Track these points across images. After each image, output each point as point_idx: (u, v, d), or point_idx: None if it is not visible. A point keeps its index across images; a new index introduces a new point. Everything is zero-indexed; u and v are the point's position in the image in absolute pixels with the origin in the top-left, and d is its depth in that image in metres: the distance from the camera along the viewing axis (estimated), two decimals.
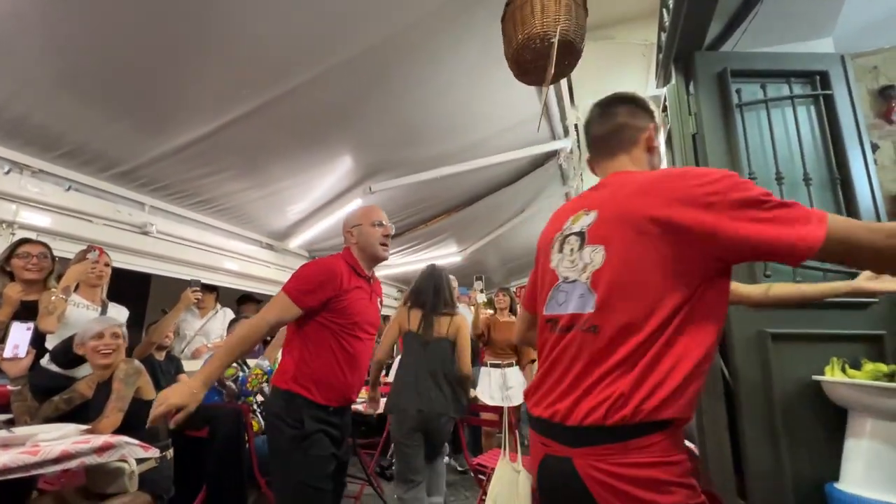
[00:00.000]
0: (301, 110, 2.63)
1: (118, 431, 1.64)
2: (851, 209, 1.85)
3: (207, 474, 1.97)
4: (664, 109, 2.30)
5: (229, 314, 3.91)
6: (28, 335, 1.67)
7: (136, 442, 1.59)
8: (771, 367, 1.69)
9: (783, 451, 1.63)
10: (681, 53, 2.07)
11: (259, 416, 2.48)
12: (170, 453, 1.87)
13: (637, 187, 0.87)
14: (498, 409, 2.58)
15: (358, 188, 3.56)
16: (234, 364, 2.61)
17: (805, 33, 2.21)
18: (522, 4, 1.33)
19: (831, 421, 1.61)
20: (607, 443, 0.77)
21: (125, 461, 1.61)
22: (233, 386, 2.46)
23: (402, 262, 5.62)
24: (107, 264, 2.31)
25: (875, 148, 2.32)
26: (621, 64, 2.82)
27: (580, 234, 0.89)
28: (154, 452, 1.67)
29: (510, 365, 3.77)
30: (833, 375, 1.59)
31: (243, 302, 4.39)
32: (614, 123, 1.02)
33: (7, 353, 1.62)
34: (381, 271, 5.65)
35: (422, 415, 2.17)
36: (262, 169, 3.16)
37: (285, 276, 4.47)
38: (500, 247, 5.90)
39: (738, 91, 1.99)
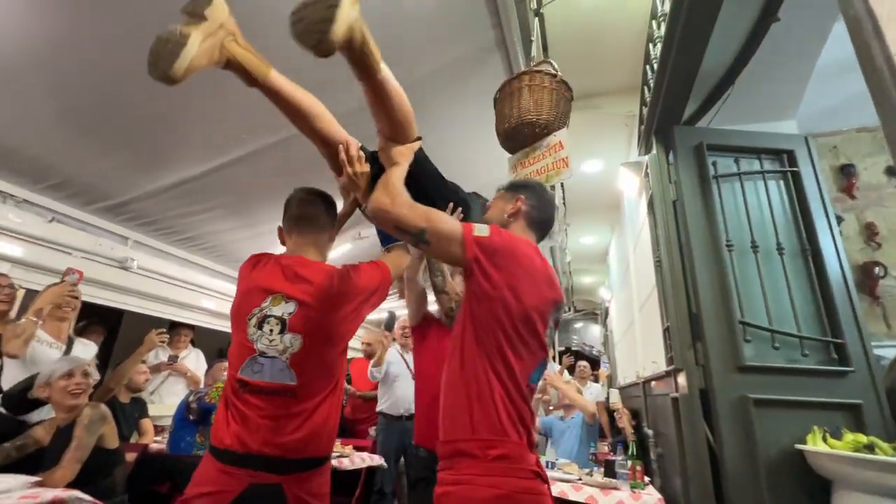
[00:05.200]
0: (296, 157, 2.68)
1: (72, 483, 1.51)
2: (822, 277, 1.94)
3: None
4: (646, 175, 2.44)
5: (202, 357, 3.76)
6: None
7: (89, 498, 1.46)
8: (755, 434, 1.69)
9: None
10: (661, 126, 2.23)
11: None
12: None
13: None
14: None
15: (347, 233, 3.58)
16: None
17: (772, 114, 2.42)
18: (520, 89, 1.44)
19: (816, 491, 1.60)
20: None
21: None
22: (195, 406, 2.33)
23: (383, 307, 5.56)
24: (77, 297, 2.22)
25: (840, 220, 2.48)
26: (606, 131, 3.01)
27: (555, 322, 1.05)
28: None
29: None
30: (815, 444, 1.59)
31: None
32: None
33: None
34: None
35: None
36: (252, 210, 3.17)
37: None
38: None
39: (714, 163, 2.13)
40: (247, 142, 2.48)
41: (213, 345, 4.45)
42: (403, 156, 1.12)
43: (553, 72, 1.45)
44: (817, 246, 1.99)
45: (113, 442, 1.71)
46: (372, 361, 3.49)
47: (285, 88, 1.06)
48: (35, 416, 1.84)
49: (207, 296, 3.79)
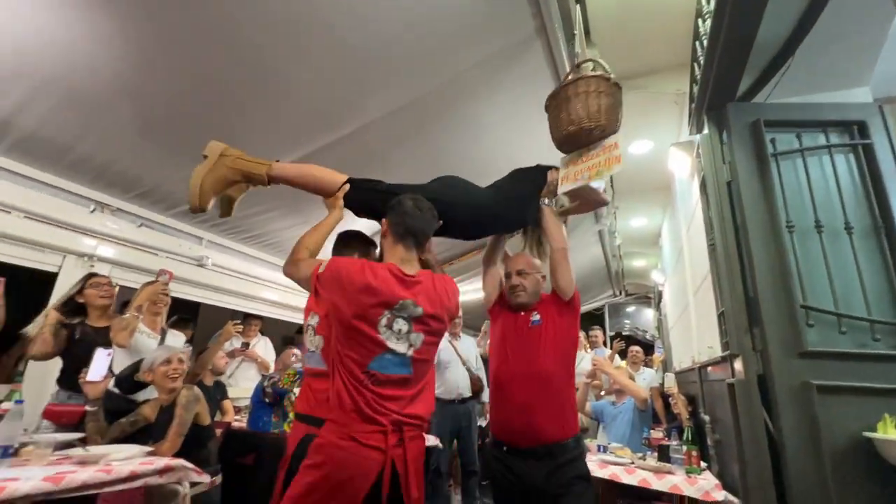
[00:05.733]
0: (346, 156, 2.84)
1: (176, 454, 1.76)
2: None
3: (254, 502, 2.05)
4: (698, 156, 2.36)
5: (269, 344, 4.10)
6: (108, 361, 1.85)
7: (192, 466, 1.70)
8: (818, 421, 1.65)
9: None
10: (713, 104, 2.15)
11: None
12: (218, 478, 1.97)
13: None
14: None
15: None
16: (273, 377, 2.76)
17: (841, 83, 2.24)
18: (576, 95, 1.45)
19: (886, 480, 1.54)
20: None
21: (180, 484, 1.73)
22: (270, 391, 2.60)
23: None
24: (167, 294, 2.51)
25: None
26: (654, 112, 2.90)
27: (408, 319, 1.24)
28: (206, 478, 1.77)
29: None
30: (886, 433, 1.53)
31: (301, 333, 4.74)
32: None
33: (92, 377, 1.80)
34: None
35: None
36: (307, 209, 3.38)
37: None
38: None
39: (772, 140, 2.03)
40: (299, 146, 2.66)
41: (278, 333, 4.83)
42: (332, 206, 1.45)
43: (607, 75, 1.45)
44: (892, 223, 1.85)
45: (206, 419, 1.96)
46: None
47: (288, 172, 1.49)
48: (141, 395, 2.14)
49: (271, 288, 4.10)
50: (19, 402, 1.55)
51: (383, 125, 2.61)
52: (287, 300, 4.24)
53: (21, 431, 1.57)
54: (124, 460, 1.56)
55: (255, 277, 3.91)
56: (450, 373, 3.41)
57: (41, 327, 2.03)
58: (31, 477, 1.27)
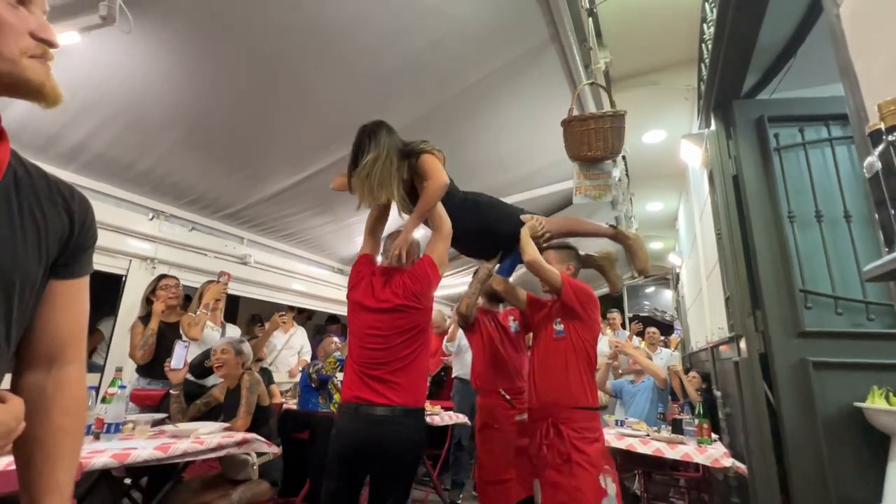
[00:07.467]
0: None
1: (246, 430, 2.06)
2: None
3: (311, 470, 2.35)
4: (706, 150, 2.49)
5: (305, 333, 4.43)
6: (185, 351, 2.16)
7: (263, 439, 2.00)
8: (813, 393, 1.83)
9: (828, 472, 1.76)
10: (719, 102, 2.28)
11: None
12: (280, 450, 2.27)
13: None
14: None
15: None
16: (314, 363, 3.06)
17: None
18: (587, 131, 1.70)
19: (874, 446, 1.72)
20: None
21: (250, 454, 2.03)
22: (315, 377, 2.90)
23: (458, 283, 5.96)
24: (226, 292, 2.81)
25: None
26: (666, 106, 3.01)
27: None
28: (273, 448, 2.07)
29: None
30: (874, 402, 1.70)
31: (330, 322, 5.04)
32: None
33: (175, 366, 2.11)
34: (439, 291, 6.03)
35: None
36: (338, 207, 3.63)
37: None
38: None
39: (776, 135, 2.16)
40: (329, 153, 2.90)
41: (310, 321, 5.19)
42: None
43: (611, 112, 1.69)
44: None
45: (266, 400, 2.25)
46: (446, 337, 4.02)
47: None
48: (209, 380, 2.45)
49: (306, 281, 4.40)
50: (122, 386, 1.86)
51: (408, 131, 2.80)
52: (318, 291, 4.55)
53: (124, 411, 1.89)
54: (208, 434, 1.86)
55: (290, 271, 4.21)
56: (469, 356, 3.69)
57: (143, 336, 2.35)
58: (146, 447, 1.58)
